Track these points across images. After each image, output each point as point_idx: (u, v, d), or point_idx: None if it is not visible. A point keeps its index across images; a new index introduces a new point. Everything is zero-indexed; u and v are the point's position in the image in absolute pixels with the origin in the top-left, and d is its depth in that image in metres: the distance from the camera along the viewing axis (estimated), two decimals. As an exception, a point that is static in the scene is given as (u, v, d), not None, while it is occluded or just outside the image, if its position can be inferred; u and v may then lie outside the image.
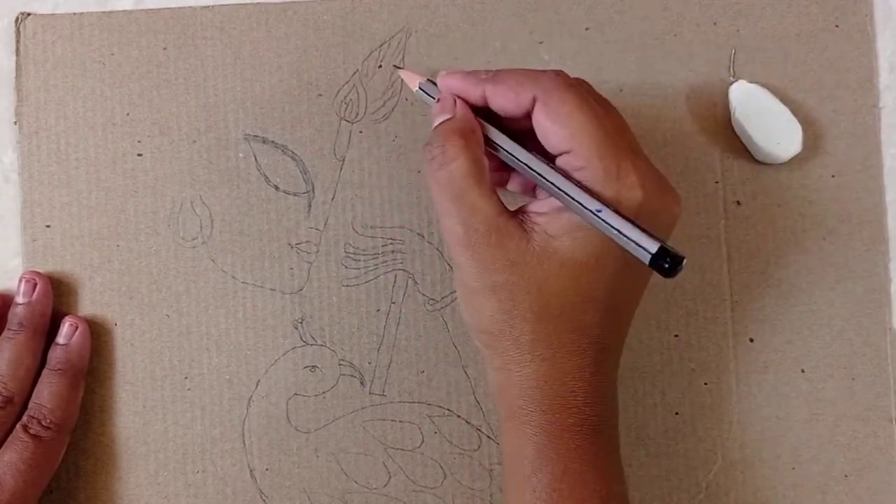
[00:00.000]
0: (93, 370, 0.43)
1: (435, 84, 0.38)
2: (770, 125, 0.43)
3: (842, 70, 0.44)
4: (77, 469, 0.43)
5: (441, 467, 0.43)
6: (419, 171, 0.44)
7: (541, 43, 0.44)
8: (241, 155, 0.44)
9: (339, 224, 0.44)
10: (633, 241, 0.32)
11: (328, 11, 0.44)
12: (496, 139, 0.36)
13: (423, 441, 0.43)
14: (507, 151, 0.35)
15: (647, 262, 0.32)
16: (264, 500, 0.43)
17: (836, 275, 0.44)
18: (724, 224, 0.44)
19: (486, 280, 0.34)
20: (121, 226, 0.44)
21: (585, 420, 0.35)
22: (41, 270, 0.43)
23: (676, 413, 0.43)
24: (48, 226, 0.44)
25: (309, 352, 0.44)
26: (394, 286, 0.44)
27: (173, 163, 0.44)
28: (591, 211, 0.33)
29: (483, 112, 0.36)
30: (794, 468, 0.43)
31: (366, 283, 0.44)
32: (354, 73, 0.44)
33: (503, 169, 0.38)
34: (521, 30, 0.44)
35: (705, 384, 0.43)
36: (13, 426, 0.41)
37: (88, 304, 0.44)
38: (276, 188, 0.44)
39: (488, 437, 0.43)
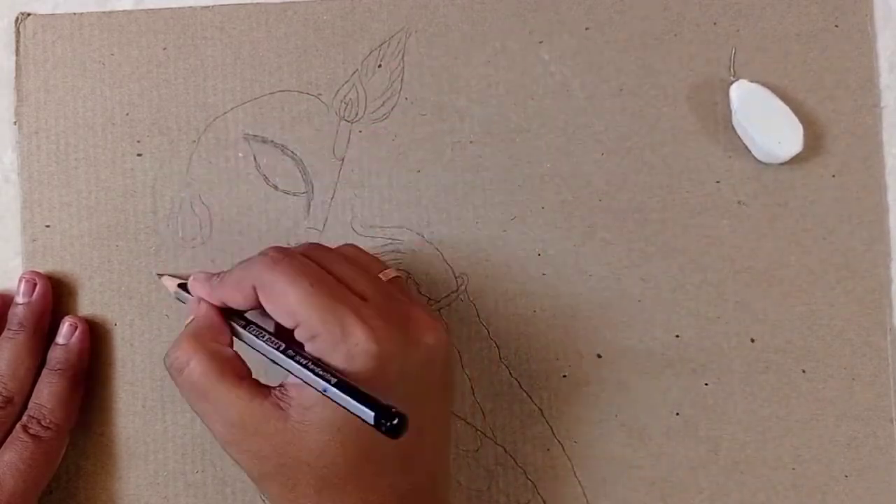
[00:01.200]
0: (92, 370, 0.43)
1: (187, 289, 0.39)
2: (771, 124, 0.42)
3: (842, 70, 0.44)
4: (77, 469, 0.43)
5: (441, 468, 0.43)
6: (419, 171, 0.44)
7: (541, 43, 0.44)
8: (240, 155, 0.44)
9: (338, 224, 0.44)
10: (354, 412, 0.31)
11: (328, 11, 0.44)
12: (243, 336, 0.36)
13: (422, 441, 0.43)
14: (245, 341, 0.36)
15: (376, 428, 0.31)
16: (264, 501, 0.43)
17: (836, 275, 0.44)
18: (725, 224, 0.44)
19: (260, 468, 0.34)
20: (120, 226, 0.44)
21: None
22: (41, 270, 0.43)
23: (677, 413, 0.43)
24: (48, 226, 0.44)
25: (309, 352, 0.43)
26: (394, 286, 0.44)
27: (173, 163, 0.44)
28: (320, 391, 0.33)
29: None
30: (794, 468, 0.43)
31: (366, 283, 0.44)
32: (354, 72, 0.44)
33: None
34: (521, 30, 0.44)
35: (706, 384, 0.43)
36: (13, 426, 0.41)
37: (88, 304, 0.44)
38: (276, 188, 0.44)
39: (489, 438, 0.43)
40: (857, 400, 0.43)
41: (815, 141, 0.44)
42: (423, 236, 0.44)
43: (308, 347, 0.34)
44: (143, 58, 0.44)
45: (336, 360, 0.33)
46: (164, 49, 0.44)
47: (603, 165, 0.44)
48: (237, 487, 0.43)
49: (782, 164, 0.43)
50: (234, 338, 0.37)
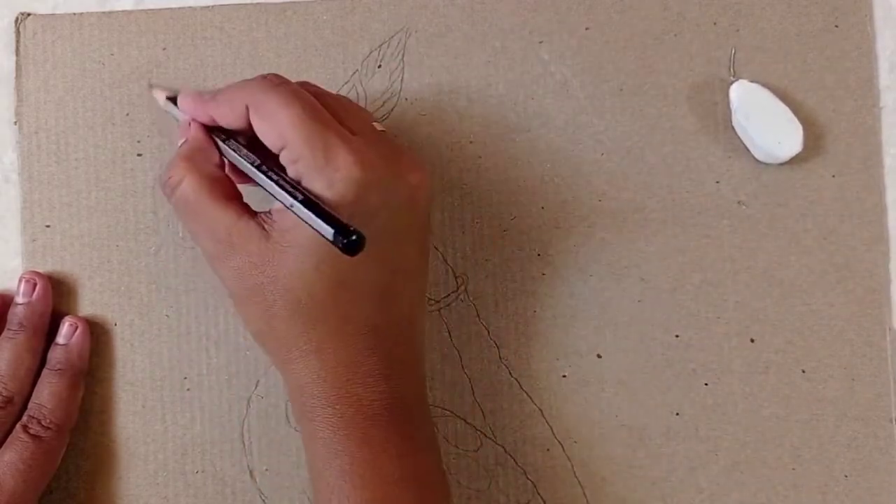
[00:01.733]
0: (92, 370, 0.43)
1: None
2: (771, 125, 0.42)
3: (842, 70, 0.44)
4: (77, 469, 0.43)
5: (441, 468, 0.43)
6: (419, 171, 0.44)
7: (541, 43, 0.44)
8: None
9: (338, 224, 0.44)
10: (316, 228, 0.32)
11: (327, 11, 0.44)
12: (223, 150, 0.37)
13: (422, 441, 0.43)
14: (231, 160, 0.37)
15: (334, 245, 0.31)
16: (264, 501, 0.43)
17: (836, 275, 0.44)
18: (725, 224, 0.44)
19: (241, 286, 0.36)
20: (120, 226, 0.44)
21: (370, 405, 0.35)
22: (41, 270, 0.43)
23: (677, 413, 0.43)
24: (48, 226, 0.44)
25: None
26: (393, 286, 0.44)
27: (173, 163, 0.44)
28: (287, 206, 0.33)
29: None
30: (794, 469, 0.43)
31: (365, 283, 0.44)
32: (354, 72, 0.44)
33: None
34: (521, 29, 0.44)
35: (706, 384, 0.43)
36: (13, 426, 0.41)
37: (88, 303, 0.44)
38: (276, 188, 0.44)
39: (488, 437, 0.43)
40: (857, 400, 0.43)
41: (814, 141, 0.44)
42: (422, 236, 0.44)
43: (290, 171, 0.35)
44: (143, 58, 0.44)
45: (317, 184, 0.34)
46: (164, 49, 0.44)
47: (603, 165, 0.44)
48: (237, 488, 0.43)
49: (782, 164, 0.43)
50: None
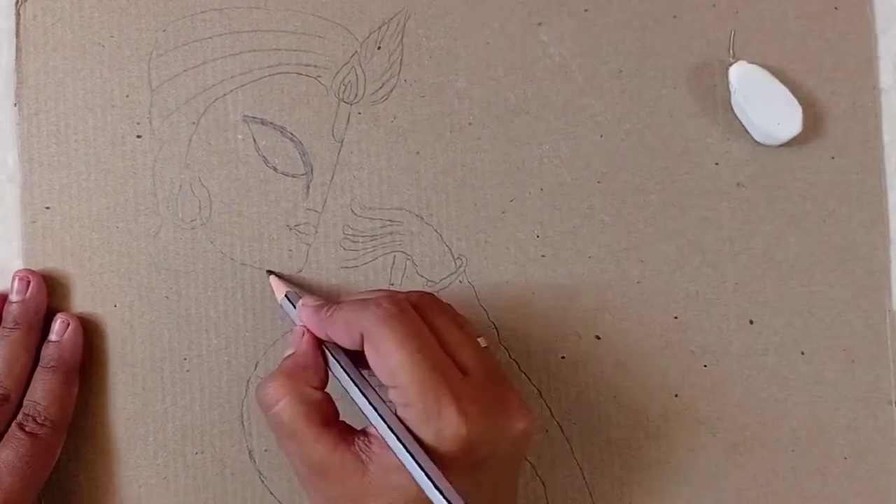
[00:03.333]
0: (92, 351, 0.44)
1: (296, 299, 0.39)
2: (770, 106, 0.42)
3: (841, 51, 0.44)
4: (77, 450, 0.43)
5: (440, 449, 0.43)
6: (418, 153, 0.44)
7: (540, 24, 0.44)
8: (239, 136, 0.44)
9: (337, 206, 0.44)
10: (421, 485, 0.32)
11: (327, -7, 0.44)
12: (333, 370, 0.37)
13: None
14: (342, 383, 0.36)
15: None
16: (263, 481, 0.43)
17: (836, 256, 0.44)
18: (724, 205, 0.44)
19: None
20: (120, 207, 0.44)
21: None
22: (40, 252, 0.44)
23: (676, 395, 0.43)
24: (47, 207, 0.44)
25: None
26: (392, 268, 0.44)
27: (172, 144, 0.44)
28: (394, 453, 0.33)
29: None
30: (793, 450, 0.43)
31: (364, 264, 0.44)
32: (353, 54, 0.44)
33: None
34: (521, 11, 0.44)
35: (705, 366, 0.43)
36: (9, 424, 0.41)
37: (88, 285, 0.44)
38: (275, 170, 0.44)
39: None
40: (857, 382, 0.43)
41: (814, 123, 0.44)
42: (422, 218, 0.44)
43: (400, 411, 0.34)
44: (143, 39, 0.44)
45: (426, 434, 0.33)
46: (164, 31, 0.44)
47: (602, 147, 0.44)
48: (236, 468, 0.43)
49: (781, 145, 0.43)
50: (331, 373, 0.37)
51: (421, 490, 0.33)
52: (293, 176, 0.44)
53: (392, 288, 0.44)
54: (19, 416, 0.41)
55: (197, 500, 0.43)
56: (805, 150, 0.44)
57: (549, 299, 0.43)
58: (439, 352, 0.35)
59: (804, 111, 0.43)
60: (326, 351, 0.37)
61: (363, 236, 0.44)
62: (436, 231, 0.44)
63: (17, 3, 0.44)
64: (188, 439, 0.43)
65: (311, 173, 0.44)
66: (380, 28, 0.44)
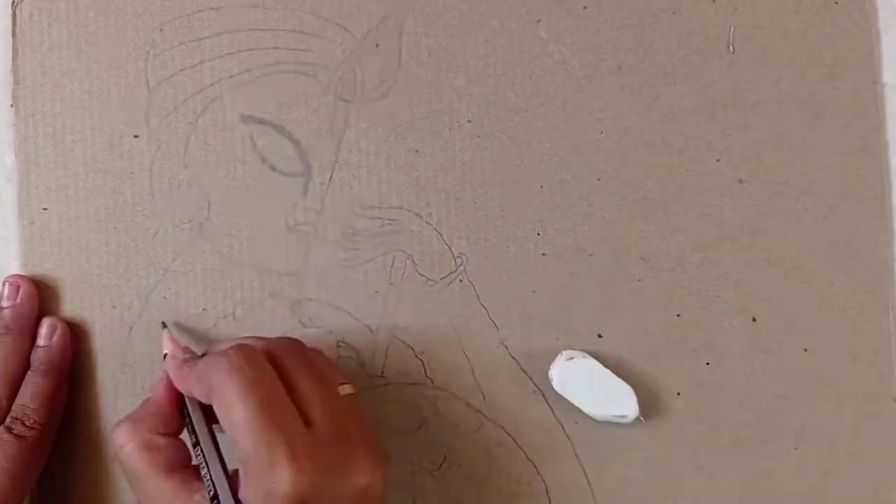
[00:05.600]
0: (89, 351, 0.43)
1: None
2: (600, 391, 0.42)
3: (842, 46, 0.44)
4: (74, 448, 0.43)
5: (441, 449, 0.43)
6: (417, 151, 0.44)
7: (539, 21, 0.44)
8: (237, 136, 0.44)
9: (336, 205, 0.44)
10: None
11: (325, -9, 0.44)
12: (187, 425, 0.38)
13: (422, 423, 0.43)
14: (190, 436, 0.37)
15: None
16: (263, 483, 0.43)
17: (838, 253, 0.43)
18: (726, 202, 0.43)
19: None
20: (118, 208, 0.44)
21: None
22: (38, 253, 0.43)
23: (678, 393, 0.43)
24: (45, 208, 0.44)
25: (307, 334, 0.43)
26: (392, 267, 0.43)
27: (170, 144, 0.44)
28: None
29: None
30: (796, 448, 0.43)
31: (364, 264, 0.44)
32: (351, 52, 0.44)
33: None
34: (519, 8, 0.44)
35: (707, 364, 0.43)
36: None
37: (86, 286, 0.44)
38: (273, 169, 0.44)
39: (489, 418, 0.43)
40: (860, 379, 0.43)
41: (815, 119, 0.43)
42: (421, 217, 0.43)
43: (240, 467, 0.34)
44: (140, 39, 0.44)
45: (256, 492, 0.33)
46: (161, 30, 0.44)
47: (602, 144, 0.44)
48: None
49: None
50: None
51: None
52: (292, 175, 0.44)
53: (392, 287, 0.43)
54: (7, 420, 0.41)
55: (196, 502, 0.43)
56: (806, 145, 0.43)
57: (550, 298, 0.43)
58: (284, 404, 0.34)
59: (803, 112, 0.43)
60: (187, 403, 0.38)
61: (362, 235, 0.44)
62: (435, 230, 0.43)
63: (13, 3, 0.44)
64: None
65: (310, 172, 0.44)
66: (378, 26, 0.44)
